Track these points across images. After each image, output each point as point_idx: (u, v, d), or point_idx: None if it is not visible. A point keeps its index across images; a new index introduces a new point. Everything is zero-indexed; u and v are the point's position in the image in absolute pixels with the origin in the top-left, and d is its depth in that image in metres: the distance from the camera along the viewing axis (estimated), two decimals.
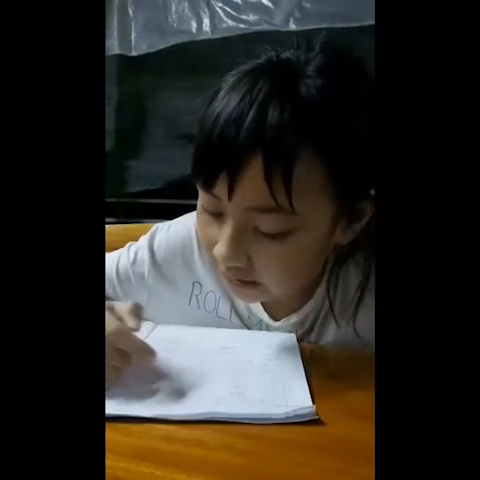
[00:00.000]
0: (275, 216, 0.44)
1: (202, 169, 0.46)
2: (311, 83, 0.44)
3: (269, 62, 0.47)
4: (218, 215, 0.48)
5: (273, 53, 0.47)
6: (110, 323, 0.45)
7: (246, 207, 0.45)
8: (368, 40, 0.42)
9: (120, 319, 0.47)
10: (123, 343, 0.45)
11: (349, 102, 0.45)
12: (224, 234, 0.47)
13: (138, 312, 0.47)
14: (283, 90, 0.43)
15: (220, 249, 0.47)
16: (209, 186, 0.46)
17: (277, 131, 0.42)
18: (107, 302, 0.48)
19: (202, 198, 0.49)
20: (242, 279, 0.50)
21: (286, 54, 0.47)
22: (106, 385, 0.45)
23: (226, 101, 0.44)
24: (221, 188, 0.44)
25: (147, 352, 0.46)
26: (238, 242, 0.46)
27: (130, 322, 0.46)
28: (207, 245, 0.51)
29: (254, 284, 0.50)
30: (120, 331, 0.45)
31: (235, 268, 0.49)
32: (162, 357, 0.47)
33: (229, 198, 0.44)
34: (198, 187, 0.48)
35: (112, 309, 0.48)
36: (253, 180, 0.43)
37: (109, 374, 0.44)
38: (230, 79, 0.47)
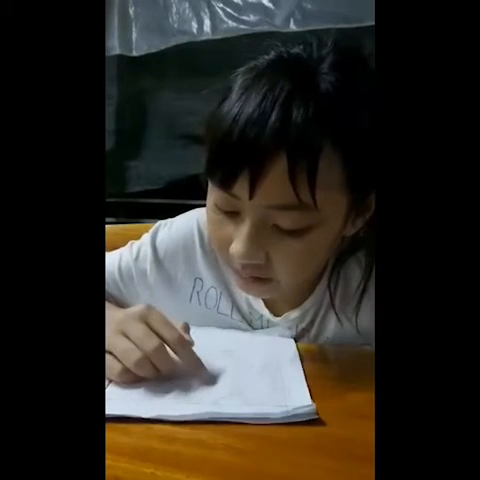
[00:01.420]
0: (296, 213, 0.45)
1: (220, 168, 0.46)
2: (328, 80, 0.45)
3: (281, 58, 0.47)
4: (233, 213, 0.48)
5: (283, 49, 0.48)
6: (172, 331, 0.46)
7: (267, 205, 0.45)
8: (368, 40, 0.42)
9: (175, 327, 0.47)
10: (183, 353, 0.46)
11: (362, 97, 0.46)
12: (242, 232, 0.47)
13: (188, 329, 0.49)
14: (304, 88, 0.44)
15: (238, 247, 0.47)
16: (227, 185, 0.45)
17: (302, 129, 0.42)
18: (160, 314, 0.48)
19: (216, 197, 0.48)
20: (257, 276, 0.50)
21: (295, 50, 0.48)
22: (107, 383, 0.45)
23: (243, 101, 0.44)
24: (241, 187, 0.44)
25: (200, 366, 0.47)
26: (257, 240, 0.46)
27: (187, 336, 0.47)
28: (220, 244, 0.51)
29: (268, 280, 0.51)
30: (182, 340, 0.46)
31: (252, 265, 0.49)
32: None
33: (250, 197, 0.44)
34: (213, 186, 0.48)
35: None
36: (276, 178, 0.43)
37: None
38: (241, 77, 0.47)
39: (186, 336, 0.47)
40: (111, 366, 0.45)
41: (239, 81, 0.47)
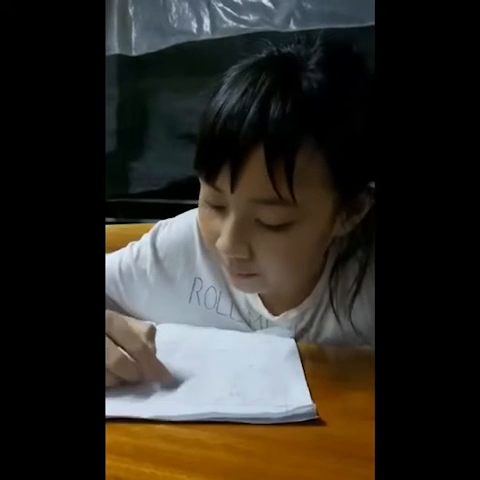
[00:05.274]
0: (277, 208, 0.45)
1: (205, 162, 0.47)
2: (312, 77, 0.45)
3: (270, 56, 0.48)
4: (220, 208, 0.49)
5: (274, 48, 0.49)
6: (134, 342, 0.44)
7: (248, 199, 0.46)
8: (368, 40, 0.42)
9: (138, 337, 0.45)
10: (145, 364, 0.44)
11: (349, 96, 0.46)
12: (226, 226, 0.48)
13: (154, 334, 0.47)
14: (285, 84, 0.44)
15: (223, 241, 0.48)
16: (212, 179, 0.47)
17: (279, 124, 0.43)
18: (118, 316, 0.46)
19: (204, 191, 0.50)
20: (244, 272, 0.51)
21: (287, 49, 0.48)
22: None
23: (228, 95, 0.45)
24: (224, 181, 0.45)
25: (164, 373, 0.46)
26: (240, 234, 0.47)
27: (150, 344, 0.46)
28: (209, 238, 0.52)
29: (255, 275, 0.51)
30: (145, 351, 0.44)
31: (237, 260, 0.50)
32: (162, 358, 0.47)
33: (232, 190, 0.45)
34: (201, 180, 0.49)
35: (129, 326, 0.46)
36: (255, 172, 0.44)
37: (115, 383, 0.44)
38: (232, 73, 0.48)
39: (149, 344, 0.46)
40: None
41: (228, 77, 0.48)
